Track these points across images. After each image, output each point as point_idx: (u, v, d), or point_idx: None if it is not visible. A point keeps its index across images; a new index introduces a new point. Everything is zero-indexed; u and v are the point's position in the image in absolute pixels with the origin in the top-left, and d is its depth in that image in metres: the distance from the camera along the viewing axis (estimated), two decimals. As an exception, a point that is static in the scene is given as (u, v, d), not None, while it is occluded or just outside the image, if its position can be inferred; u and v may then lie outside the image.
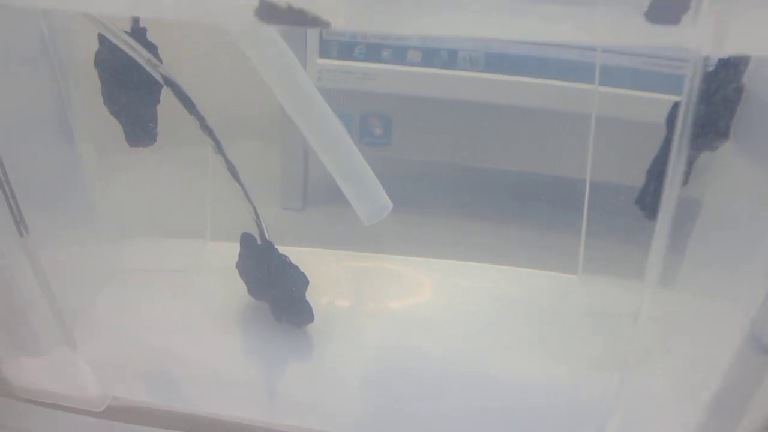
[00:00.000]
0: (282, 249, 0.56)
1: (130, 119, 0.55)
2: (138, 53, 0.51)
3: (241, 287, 0.59)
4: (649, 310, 0.43)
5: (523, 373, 0.53)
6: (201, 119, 0.53)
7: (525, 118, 0.66)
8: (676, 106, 0.45)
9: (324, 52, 0.68)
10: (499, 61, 0.65)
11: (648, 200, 0.48)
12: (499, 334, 0.57)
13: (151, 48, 0.53)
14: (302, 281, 0.56)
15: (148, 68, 0.52)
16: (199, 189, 0.65)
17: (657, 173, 0.47)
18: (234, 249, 0.57)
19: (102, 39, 0.52)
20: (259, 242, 0.57)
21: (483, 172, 0.69)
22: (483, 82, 0.66)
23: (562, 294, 0.61)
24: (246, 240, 0.58)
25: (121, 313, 0.58)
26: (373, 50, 0.67)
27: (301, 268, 0.56)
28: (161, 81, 0.53)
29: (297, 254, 0.56)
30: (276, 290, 0.57)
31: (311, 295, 0.57)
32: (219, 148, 0.54)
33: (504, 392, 0.51)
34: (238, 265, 0.59)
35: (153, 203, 0.64)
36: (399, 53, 0.67)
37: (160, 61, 0.54)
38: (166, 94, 0.53)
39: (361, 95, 0.67)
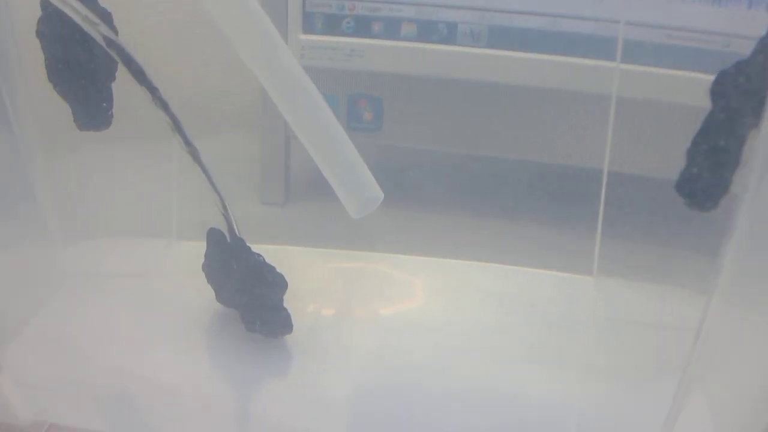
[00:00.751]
0: (259, 248, 0.52)
1: (79, 99, 0.52)
2: (78, 13, 0.45)
3: (208, 293, 0.55)
4: (710, 323, 0.40)
5: (530, 387, 0.50)
6: (153, 90, 0.48)
7: (534, 100, 0.63)
8: (723, 74, 0.41)
9: (307, 27, 0.65)
10: (504, 35, 0.62)
11: (690, 185, 0.42)
12: (503, 343, 0.54)
13: (105, 16, 0.49)
14: (279, 284, 0.52)
15: (85, 27, 0.46)
16: (165, 182, 0.62)
17: (701, 153, 0.41)
18: (204, 249, 0.54)
19: (45, 4, 0.48)
20: (229, 239, 0.52)
21: (486, 162, 0.67)
22: (486, 60, 0.63)
23: (575, 298, 0.59)
24: (213, 237, 0.53)
25: (69, 324, 0.55)
26: (362, 24, 0.64)
27: (279, 269, 0.52)
28: (102, 42, 0.46)
29: (274, 253, 0.52)
30: (248, 295, 0.53)
31: (290, 301, 0.53)
32: (176, 125, 0.49)
33: (510, 408, 0.49)
34: (205, 267, 0.55)
35: (110, 199, 0.62)
36: (392, 27, 0.64)
37: (116, 32, 0.50)
38: (125, 73, 0.49)
39: (349, 75, 0.65)
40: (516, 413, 0.48)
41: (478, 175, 0.67)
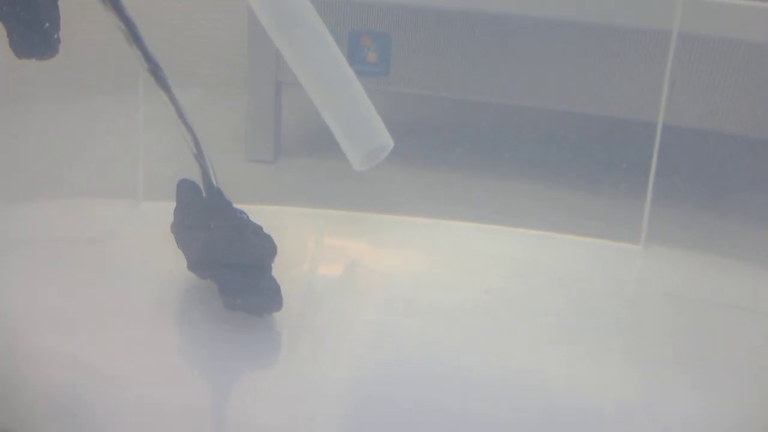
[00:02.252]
0: (243, 208, 0.49)
1: (17, 19, 0.45)
2: None
3: (178, 260, 0.50)
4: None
5: (561, 370, 0.47)
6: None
7: (572, 38, 0.60)
8: None
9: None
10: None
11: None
12: (531, 321, 0.51)
13: None
14: (267, 249, 0.47)
15: None
16: (130, 135, 0.60)
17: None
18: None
19: None
20: (204, 192, 0.47)
21: (513, 112, 0.64)
22: None
23: (620, 269, 0.56)
24: (184, 190, 0.48)
25: (9, 304, 0.50)
26: (366, -57, 0.63)
27: (267, 232, 0.48)
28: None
29: (261, 215, 0.49)
30: (226, 262, 0.48)
31: (279, 271, 0.48)
32: (132, 34, 0.43)
33: (538, 394, 0.46)
34: (174, 228, 0.49)
35: (66, 157, 0.60)
36: (402, -53, 0.62)
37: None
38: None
39: (351, 5, 0.61)
40: (544, 400, 0.45)
41: (505, 129, 0.65)
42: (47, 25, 0.45)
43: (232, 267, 0.48)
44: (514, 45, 0.60)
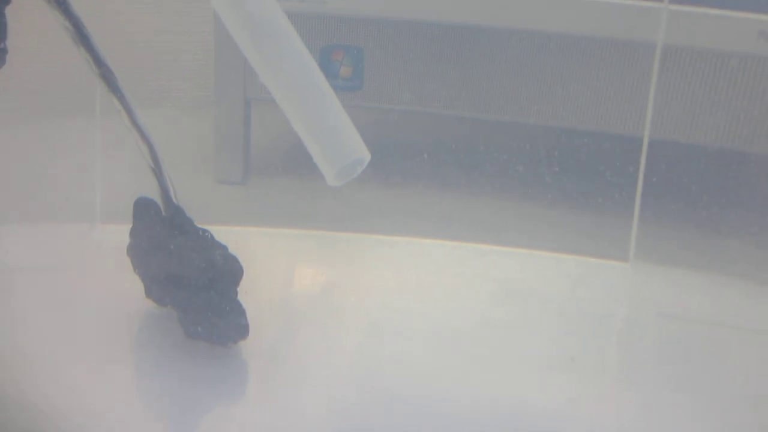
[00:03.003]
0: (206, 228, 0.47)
1: None
2: None
3: (134, 286, 0.49)
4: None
5: (550, 395, 0.46)
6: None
7: (555, 50, 0.59)
8: None
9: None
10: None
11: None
12: (519, 343, 0.50)
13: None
14: (232, 271, 0.45)
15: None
16: (87, 158, 0.59)
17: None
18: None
19: None
20: (164, 210, 0.45)
21: (493, 127, 0.63)
22: (491, 0, 0.59)
23: (610, 288, 0.56)
24: (142, 208, 0.46)
25: None
26: (339, -45, 0.62)
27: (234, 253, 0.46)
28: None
29: (228, 235, 0.47)
30: (189, 287, 0.45)
31: (246, 295, 0.46)
32: (79, 31, 0.40)
33: (527, 422, 0.44)
34: (131, 250, 0.47)
35: (21, 181, 0.59)
36: (375, -42, 0.62)
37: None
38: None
39: (323, 20, 0.60)
40: (540, 429, 0.43)
41: (486, 144, 0.63)
42: (-7, 34, 0.43)
43: (193, 291, 0.45)
44: (493, 58, 0.60)
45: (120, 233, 0.49)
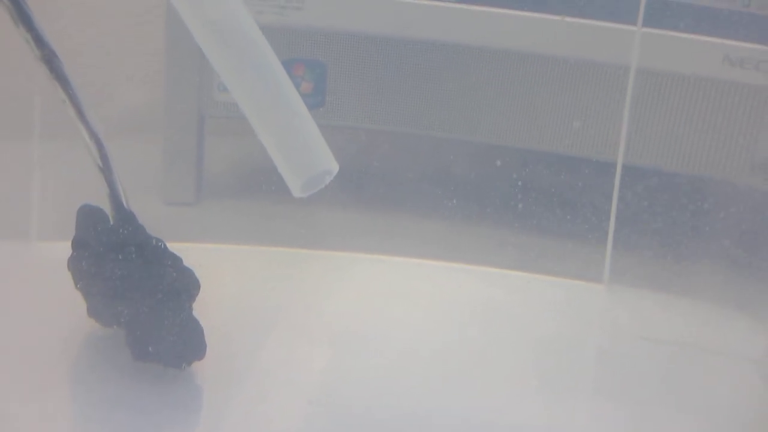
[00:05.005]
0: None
1: None
2: None
3: (76, 304, 0.45)
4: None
5: (527, 416, 0.45)
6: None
7: (525, 71, 0.59)
8: None
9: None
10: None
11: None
12: (494, 364, 0.49)
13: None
14: (187, 285, 0.42)
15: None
16: (20, 170, 0.57)
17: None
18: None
19: None
20: (112, 218, 0.42)
21: (463, 147, 0.63)
22: (464, 17, 0.59)
23: (586, 309, 0.55)
24: (86, 216, 0.42)
25: None
26: (300, -34, 0.61)
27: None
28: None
29: (182, 251, 0.44)
30: (138, 304, 0.42)
31: (203, 312, 0.43)
32: (25, 23, 0.37)
33: None
34: (72, 264, 0.43)
35: None
36: (338, -29, 0.61)
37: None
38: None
39: (283, 32, 0.59)
40: None
41: (452, 163, 0.63)
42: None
43: (144, 308, 0.42)
44: (462, 76, 0.59)
45: (59, 249, 0.46)
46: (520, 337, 0.51)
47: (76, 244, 0.43)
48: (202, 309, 0.44)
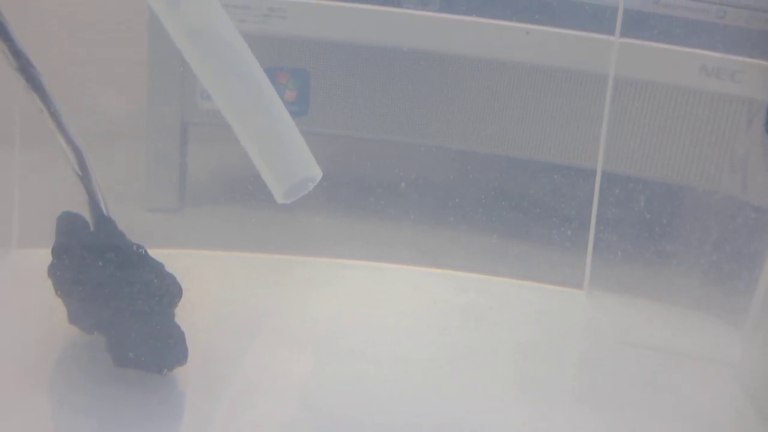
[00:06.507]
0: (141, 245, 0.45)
1: None
2: None
3: (57, 310, 0.45)
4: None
5: (509, 422, 0.45)
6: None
7: (506, 79, 0.59)
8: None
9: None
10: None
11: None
12: (476, 370, 0.48)
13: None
14: (169, 290, 0.42)
15: None
16: (1, 178, 0.57)
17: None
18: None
19: None
20: (92, 225, 0.41)
21: (445, 154, 0.62)
22: (442, 26, 0.59)
23: (567, 315, 0.55)
24: (66, 223, 0.42)
25: None
26: (284, -25, 0.61)
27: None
28: None
29: (163, 258, 0.44)
30: (119, 310, 0.42)
31: (185, 317, 0.43)
32: (2, 30, 0.37)
33: None
34: (52, 271, 0.43)
35: None
36: (322, -20, 0.61)
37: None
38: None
39: (267, 41, 0.60)
40: None
41: (434, 170, 0.63)
42: None
43: (125, 314, 0.41)
44: (445, 85, 0.59)
45: (40, 257, 0.45)
46: (501, 342, 0.51)
47: (57, 251, 0.42)
48: (184, 315, 0.43)
